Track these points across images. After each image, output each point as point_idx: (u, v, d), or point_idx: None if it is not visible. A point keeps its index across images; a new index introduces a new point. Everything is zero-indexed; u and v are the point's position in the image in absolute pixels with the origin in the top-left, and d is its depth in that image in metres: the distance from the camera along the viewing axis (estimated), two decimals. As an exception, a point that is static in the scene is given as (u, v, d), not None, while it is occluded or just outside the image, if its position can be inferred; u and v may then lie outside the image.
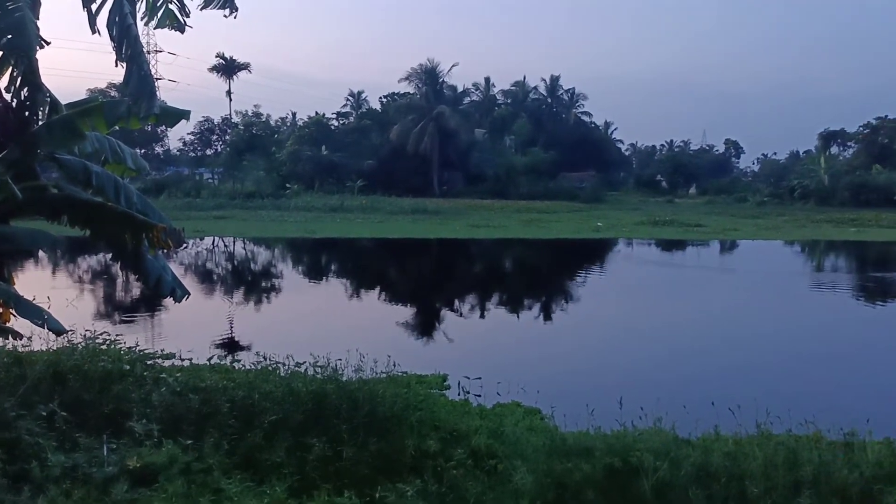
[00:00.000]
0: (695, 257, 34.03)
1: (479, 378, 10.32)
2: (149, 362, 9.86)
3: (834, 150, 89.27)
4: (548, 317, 17.99)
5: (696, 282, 24.42)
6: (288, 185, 65.97)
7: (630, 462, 5.64)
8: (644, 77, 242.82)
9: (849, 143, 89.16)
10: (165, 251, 9.13)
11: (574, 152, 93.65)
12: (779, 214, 58.44)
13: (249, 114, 76.34)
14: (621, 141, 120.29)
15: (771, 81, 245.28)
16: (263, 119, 77.52)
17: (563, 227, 44.48)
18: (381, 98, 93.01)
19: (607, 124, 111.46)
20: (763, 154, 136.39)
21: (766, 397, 8.47)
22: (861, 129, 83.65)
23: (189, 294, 8.53)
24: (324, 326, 15.86)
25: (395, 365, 8.79)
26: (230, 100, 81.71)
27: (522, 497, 5.22)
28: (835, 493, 5.27)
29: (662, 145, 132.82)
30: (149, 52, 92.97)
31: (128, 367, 8.44)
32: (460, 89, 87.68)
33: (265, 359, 8.75)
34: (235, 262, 30.00)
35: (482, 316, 18.22)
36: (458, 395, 9.78)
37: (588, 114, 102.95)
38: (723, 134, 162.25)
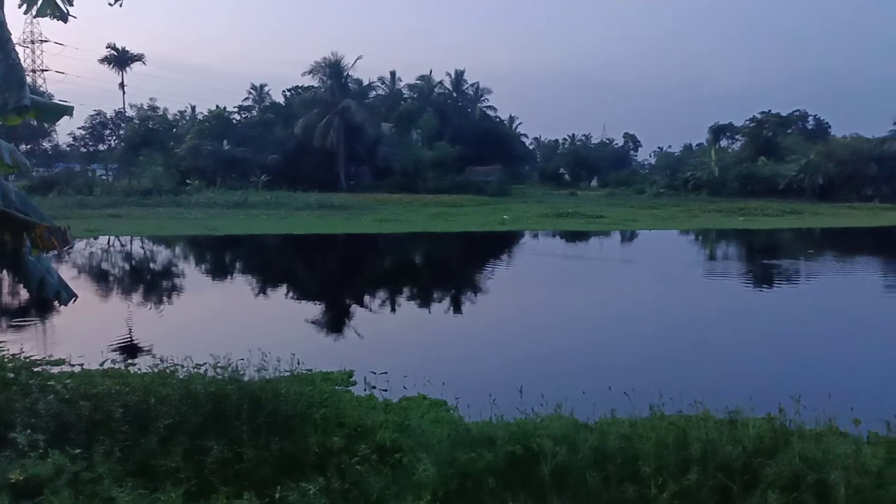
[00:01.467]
0: (596, 248, 35.17)
1: (386, 373, 10.32)
2: (35, 369, 9.33)
3: (723, 143, 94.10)
4: (456, 310, 18.17)
5: (597, 272, 25.23)
6: (188, 181, 63.63)
7: (531, 448, 5.78)
8: (546, 73, 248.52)
9: (736, 137, 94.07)
10: (51, 252, 8.63)
11: (480, 146, 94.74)
12: (674, 205, 61.11)
13: (145, 107, 73.34)
14: (525, 135, 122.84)
15: (666, 78, 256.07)
16: (160, 112, 74.65)
17: (471, 220, 44.99)
18: (284, 91, 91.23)
19: (512, 119, 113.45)
20: (659, 147, 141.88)
21: (661, 381, 8.87)
22: (747, 123, 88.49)
23: (76, 297, 8.09)
24: (226, 326, 15.44)
25: (299, 363, 8.65)
26: (123, 92, 78.21)
27: (425, 489, 5.25)
28: (720, 468, 5.57)
29: (565, 139, 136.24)
30: (32, 42, 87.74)
31: (11, 376, 7.94)
32: (366, 83, 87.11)
33: (162, 361, 8.44)
34: (132, 262, 28.72)
35: (391, 311, 18.20)
36: (364, 390, 9.75)
37: (493, 108, 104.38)
38: (621, 128, 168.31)
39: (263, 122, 79.92)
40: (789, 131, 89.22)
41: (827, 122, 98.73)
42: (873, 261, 30.14)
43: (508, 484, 5.50)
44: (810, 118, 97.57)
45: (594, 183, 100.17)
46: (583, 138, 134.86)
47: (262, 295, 20.78)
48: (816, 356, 13.09)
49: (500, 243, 35.51)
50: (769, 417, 6.89)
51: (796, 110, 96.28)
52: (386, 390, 9.73)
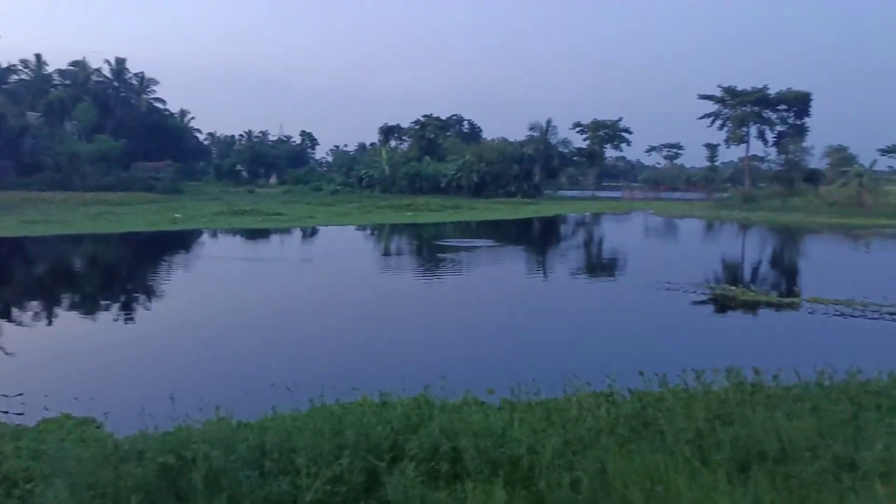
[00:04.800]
0: (270, 246, 35.00)
1: (21, 394, 9.09)
2: None
3: (393, 143, 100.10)
4: (114, 318, 16.66)
5: (273, 270, 25.11)
6: None
7: (184, 456, 5.58)
8: (219, 67, 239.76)
9: (404, 138, 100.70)
10: None
11: (148, 141, 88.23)
12: (349, 202, 63.40)
13: None
14: (199, 130, 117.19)
15: (339, 79, 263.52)
16: None
17: (138, 219, 41.67)
18: None
19: (183, 112, 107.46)
20: (336, 146, 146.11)
21: (325, 374, 9.17)
22: (413, 125, 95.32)
23: None
24: None
25: None
26: None
27: (57, 518, 4.77)
28: (370, 449, 5.94)
29: (241, 135, 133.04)
30: None
31: None
32: (5, 65, 75.53)
33: None
34: None
35: (34, 323, 16.00)
36: (-6, 417, 8.48)
37: (161, 101, 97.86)
38: (299, 126, 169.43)
39: None
40: (448, 134, 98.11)
41: (479, 126, 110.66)
42: (518, 248, 34.61)
43: (157, 498, 5.23)
44: (465, 122, 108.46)
45: (273, 180, 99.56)
46: (260, 135, 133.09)
47: None
48: (463, 335, 14.61)
49: (170, 244, 33.41)
50: (416, 398, 7.54)
51: (454, 115, 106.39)
52: (21, 413, 8.58)
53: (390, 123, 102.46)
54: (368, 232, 42.04)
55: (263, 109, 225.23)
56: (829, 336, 14.44)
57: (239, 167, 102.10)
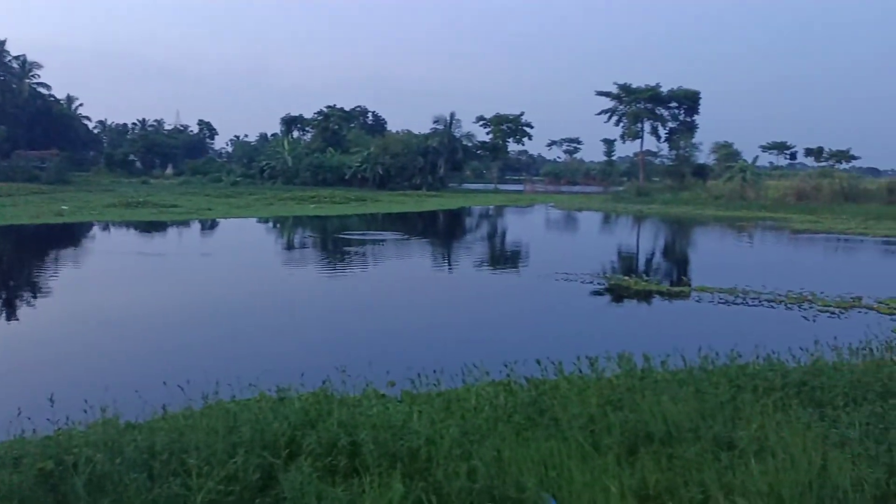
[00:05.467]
0: (171, 239, 33.67)
1: None
2: None
3: (296, 134, 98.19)
4: (-6, 317, 15.60)
5: (169, 265, 24.16)
6: None
7: (65, 461, 5.30)
8: (109, 51, 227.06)
9: (307, 129, 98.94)
10: None
11: (32, 128, 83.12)
12: (250, 193, 61.76)
13: None
14: (88, 118, 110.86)
15: (239, 67, 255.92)
16: None
17: (20, 211, 39.19)
18: None
19: (70, 99, 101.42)
20: (236, 136, 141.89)
21: (220, 370, 8.90)
22: (316, 115, 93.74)
23: None
24: None
25: None
26: None
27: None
28: (266, 446, 5.83)
29: (135, 124, 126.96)
30: None
31: None
32: None
33: None
34: None
35: None
36: None
37: (46, 86, 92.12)
38: (196, 115, 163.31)
39: None
40: (352, 125, 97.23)
41: (384, 119, 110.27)
42: (423, 240, 34.71)
43: (35, 506, 4.95)
44: (370, 114, 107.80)
45: (169, 171, 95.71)
46: (155, 124, 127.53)
47: None
48: (367, 328, 14.52)
49: (56, 238, 31.56)
50: (316, 392, 7.44)
51: (358, 106, 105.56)
52: None
53: (293, 114, 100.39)
54: (271, 224, 41.13)
55: (158, 97, 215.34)
56: (714, 323, 15.26)
57: (132, 157, 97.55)
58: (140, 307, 16.40)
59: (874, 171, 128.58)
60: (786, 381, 7.86)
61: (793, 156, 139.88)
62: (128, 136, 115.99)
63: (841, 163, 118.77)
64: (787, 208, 54.03)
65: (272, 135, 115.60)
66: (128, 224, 37.26)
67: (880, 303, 16.39)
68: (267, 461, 5.63)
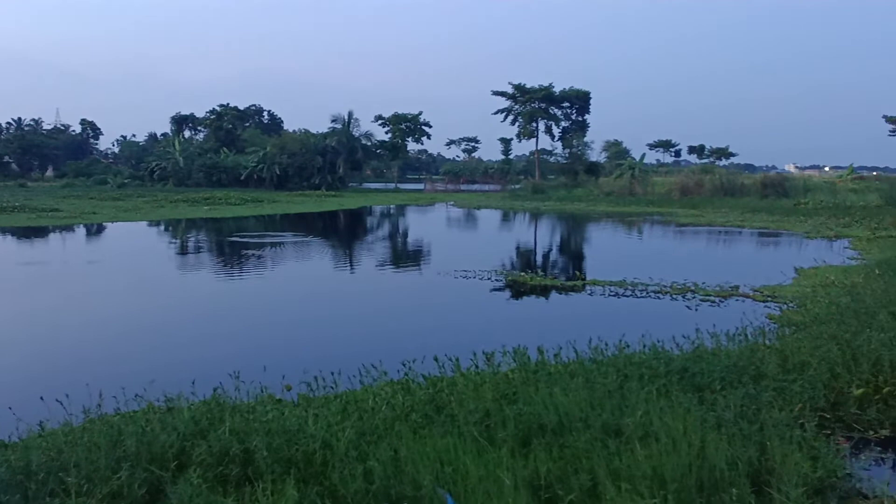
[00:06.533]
0: (53, 246, 31.71)
1: None
2: None
3: (187, 133, 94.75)
4: None
5: (49, 274, 22.77)
6: None
7: (-75, 489, 4.92)
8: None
9: (199, 128, 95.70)
10: None
11: None
12: (139, 196, 59.14)
13: None
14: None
15: (125, 65, 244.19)
16: None
17: None
18: None
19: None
20: (122, 136, 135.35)
21: (104, 382, 8.46)
22: (208, 114, 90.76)
23: None
24: None
25: None
26: None
27: None
28: (154, 459, 5.61)
29: (10, 123, 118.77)
30: None
31: None
32: None
33: None
34: None
35: None
36: None
37: None
38: (79, 114, 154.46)
39: None
40: (247, 124, 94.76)
41: (280, 118, 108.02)
42: (324, 241, 34.23)
43: None
44: (265, 113, 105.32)
45: (49, 173, 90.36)
46: (32, 123, 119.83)
47: None
48: (264, 332, 14.21)
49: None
50: (207, 401, 7.21)
51: (252, 105, 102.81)
52: None
53: (184, 113, 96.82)
54: (162, 228, 39.48)
55: (35, 95, 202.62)
56: (605, 314, 15.86)
57: (7, 159, 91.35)
58: (15, 321, 15.38)
59: (750, 167, 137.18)
60: (669, 369, 8.28)
61: (677, 153, 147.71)
62: (1, 137, 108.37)
63: (721, 159, 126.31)
64: (672, 203, 56.85)
65: (162, 134, 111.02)
66: (3, 230, 34.85)
67: (755, 291, 17.51)
68: (154, 475, 5.43)
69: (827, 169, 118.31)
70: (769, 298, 16.54)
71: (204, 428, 6.24)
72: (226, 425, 6.18)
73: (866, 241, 29.75)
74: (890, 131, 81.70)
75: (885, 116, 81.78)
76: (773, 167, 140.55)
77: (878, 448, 7.27)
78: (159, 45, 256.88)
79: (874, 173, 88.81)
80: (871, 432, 7.63)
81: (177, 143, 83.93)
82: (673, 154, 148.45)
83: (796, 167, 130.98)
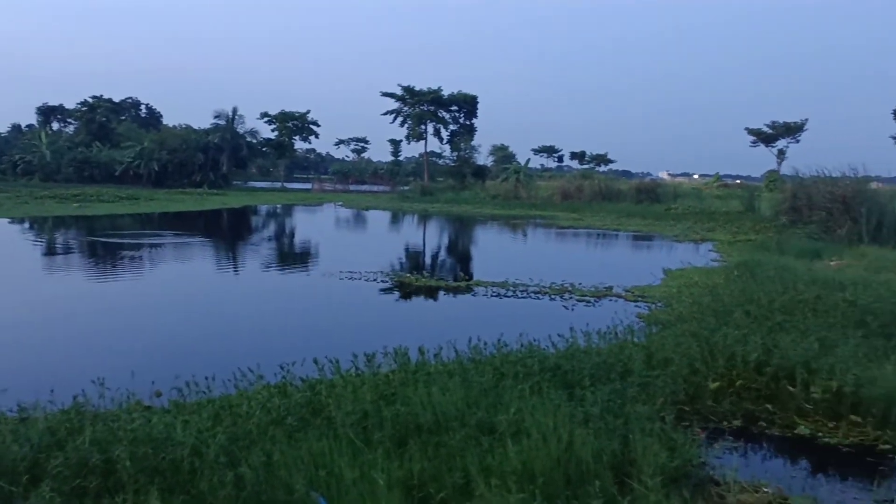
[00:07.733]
0: None
1: None
2: None
3: (56, 126, 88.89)
4: None
5: None
6: None
7: None
8: None
9: (69, 120, 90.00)
10: None
11: None
12: (1, 191, 54.87)
13: None
14: None
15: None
16: None
17: None
18: None
19: None
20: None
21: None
22: (79, 106, 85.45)
23: None
24: None
25: None
26: None
27: None
28: (3, 472, 5.25)
29: None
30: None
31: None
32: None
33: None
34: None
35: None
36: None
37: None
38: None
39: None
40: (123, 118, 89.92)
41: (159, 112, 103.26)
42: (206, 241, 32.98)
43: None
44: (143, 106, 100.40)
45: None
46: None
47: None
48: (133, 337, 13.54)
49: None
50: (67, 409, 6.81)
51: (129, 97, 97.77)
52: None
53: (51, 103, 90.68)
54: (26, 226, 36.78)
55: None
56: (487, 314, 16.19)
57: None
58: None
59: (627, 174, 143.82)
60: (543, 367, 8.58)
61: (560, 158, 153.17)
62: None
63: (600, 165, 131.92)
64: (554, 207, 58.87)
65: (27, 126, 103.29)
66: None
67: (627, 291, 18.42)
68: (3, 490, 5.08)
69: (696, 176, 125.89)
70: (640, 298, 17.44)
71: (62, 438, 5.89)
72: (86, 435, 5.84)
73: (728, 245, 31.92)
74: (751, 142, 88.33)
75: (747, 129, 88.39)
76: (649, 174, 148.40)
77: (731, 437, 7.85)
78: (26, 33, 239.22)
79: (737, 181, 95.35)
80: (725, 423, 8.23)
81: (43, 135, 78.48)
82: (556, 159, 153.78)
83: (669, 174, 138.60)
